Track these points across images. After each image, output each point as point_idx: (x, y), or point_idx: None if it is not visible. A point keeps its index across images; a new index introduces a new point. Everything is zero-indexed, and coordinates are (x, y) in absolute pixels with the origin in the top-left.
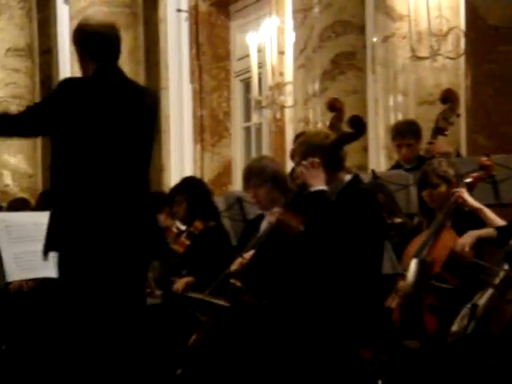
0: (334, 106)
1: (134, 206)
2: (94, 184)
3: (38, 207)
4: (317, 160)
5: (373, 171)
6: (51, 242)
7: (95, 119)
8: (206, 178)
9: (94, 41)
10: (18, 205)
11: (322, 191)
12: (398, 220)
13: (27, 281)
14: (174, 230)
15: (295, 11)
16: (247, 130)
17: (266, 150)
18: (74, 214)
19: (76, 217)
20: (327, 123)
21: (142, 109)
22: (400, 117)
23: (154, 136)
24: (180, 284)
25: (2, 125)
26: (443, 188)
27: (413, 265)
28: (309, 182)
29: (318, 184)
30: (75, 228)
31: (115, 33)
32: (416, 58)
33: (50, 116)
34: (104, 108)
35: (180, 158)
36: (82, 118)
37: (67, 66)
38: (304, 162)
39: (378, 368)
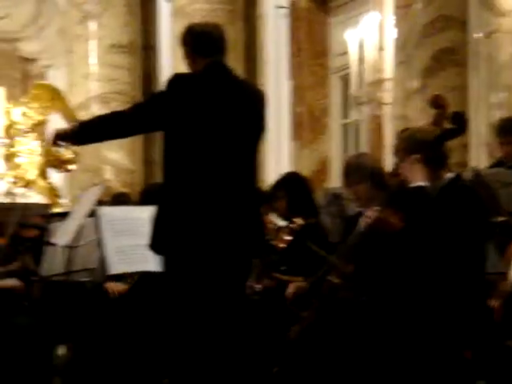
0: (437, 103)
1: (241, 203)
2: (202, 181)
3: (140, 202)
4: (417, 156)
5: (474, 169)
6: (157, 244)
7: (205, 114)
8: (303, 175)
9: (203, 37)
10: (120, 199)
11: (421, 187)
12: (501, 218)
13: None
14: (273, 226)
15: (397, 7)
16: (345, 126)
17: (363, 147)
18: (180, 209)
19: (182, 213)
20: (427, 120)
21: (250, 105)
22: (502, 114)
23: (262, 132)
24: (292, 288)
25: (115, 125)
26: None
27: None
28: (409, 178)
29: (418, 180)
30: (181, 224)
31: (220, 30)
32: None
33: (162, 111)
34: (216, 103)
35: (277, 155)
36: (194, 114)
37: (168, 62)
38: (406, 158)
39: (480, 368)
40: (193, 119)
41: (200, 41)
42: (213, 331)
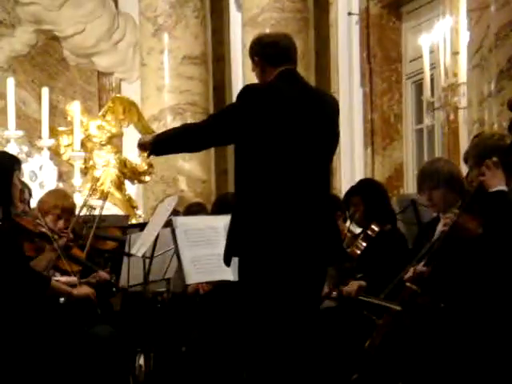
0: None
1: (317, 211)
2: (277, 190)
3: (214, 211)
4: (496, 160)
5: None
6: (232, 248)
7: (278, 124)
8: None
9: (273, 47)
10: (194, 209)
11: (502, 192)
12: None
13: (203, 284)
14: (348, 233)
15: (470, 10)
16: (419, 132)
17: (438, 153)
18: (256, 219)
19: (258, 222)
20: (504, 124)
21: (323, 114)
22: None
23: (335, 140)
24: (352, 287)
25: (188, 138)
26: None
27: None
28: (489, 183)
29: (498, 184)
30: (257, 233)
31: (289, 39)
32: None
33: (234, 124)
34: (286, 113)
35: (351, 162)
36: (267, 124)
37: (239, 72)
38: (486, 162)
39: None
40: (266, 129)
41: (270, 50)
42: (288, 338)
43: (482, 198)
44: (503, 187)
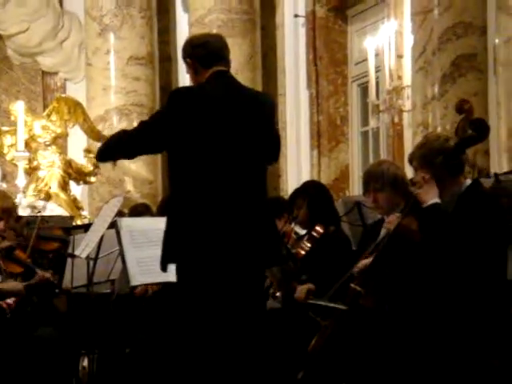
0: (462, 108)
1: (252, 213)
2: (210, 194)
3: (159, 213)
4: (427, 176)
5: (496, 175)
6: (168, 255)
7: (208, 127)
8: (323, 183)
9: (204, 48)
10: (140, 210)
11: (435, 205)
12: None
13: (152, 285)
14: (293, 235)
15: (414, 14)
16: (365, 134)
17: (383, 155)
18: (190, 223)
19: (192, 227)
20: (447, 127)
21: (254, 113)
22: None
23: (270, 141)
24: (301, 292)
25: (123, 147)
26: None
27: None
28: (422, 199)
29: (431, 198)
30: (192, 238)
31: (222, 41)
32: None
33: (164, 130)
34: (216, 115)
35: (297, 164)
36: (195, 127)
37: (186, 73)
38: (415, 179)
39: (505, 376)
40: (195, 132)
41: (200, 51)
42: (227, 340)
43: (418, 211)
44: (436, 200)
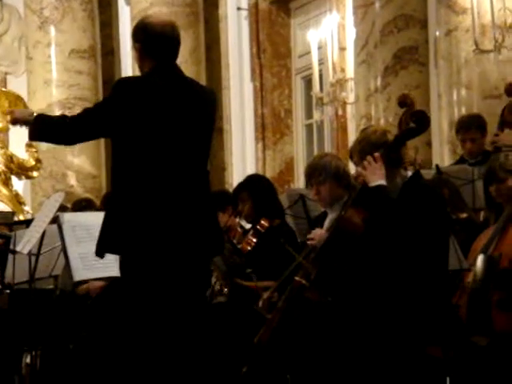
0: (404, 102)
1: (193, 205)
2: (152, 184)
3: (103, 208)
4: (377, 154)
5: (437, 166)
6: (105, 244)
7: (151, 118)
8: (268, 176)
9: (153, 39)
10: (83, 205)
11: (381, 186)
12: (464, 215)
13: (94, 288)
14: (239, 228)
15: (356, 7)
16: (309, 127)
17: (328, 147)
18: (131, 214)
19: (134, 218)
20: (390, 119)
21: (199, 107)
22: (464, 111)
23: (211, 134)
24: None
25: (63, 131)
26: (510, 182)
27: (480, 260)
28: (368, 178)
29: (378, 179)
30: (133, 230)
31: (175, 32)
32: (480, 51)
33: (108, 118)
34: (160, 106)
35: (242, 157)
36: (139, 118)
37: (129, 66)
38: (367, 158)
39: (446, 365)
40: (138, 123)
41: (150, 42)
42: (171, 334)
43: (365, 192)
44: (382, 181)
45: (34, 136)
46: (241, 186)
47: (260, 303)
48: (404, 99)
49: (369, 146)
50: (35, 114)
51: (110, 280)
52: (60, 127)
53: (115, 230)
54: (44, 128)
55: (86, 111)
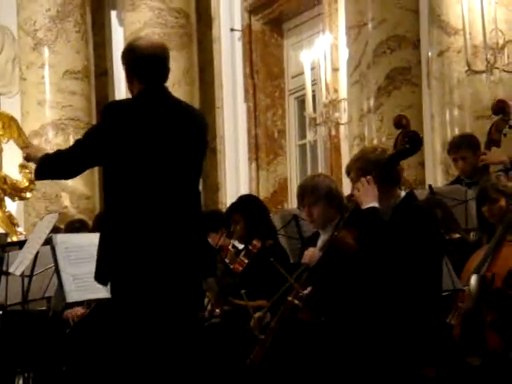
0: (399, 123)
1: (185, 227)
2: (143, 206)
3: (95, 228)
4: (369, 177)
5: (430, 186)
6: (102, 273)
7: (140, 141)
8: (262, 196)
9: (141, 64)
10: (76, 226)
11: (373, 208)
12: (457, 235)
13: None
14: (231, 249)
15: (349, 27)
16: (302, 147)
17: (321, 168)
18: (124, 239)
19: (125, 242)
20: (383, 140)
21: (188, 128)
22: (457, 131)
23: (202, 156)
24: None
25: (58, 168)
26: (502, 202)
27: (473, 281)
28: (360, 200)
29: (370, 201)
30: (125, 254)
31: (163, 54)
32: (472, 71)
33: (99, 146)
34: (148, 129)
35: (235, 177)
36: (128, 141)
37: (123, 87)
38: (360, 179)
39: None
40: (129, 146)
41: (138, 66)
42: (164, 357)
43: (358, 214)
44: (375, 204)
45: (37, 175)
46: (233, 206)
47: (251, 322)
48: (399, 120)
49: (366, 163)
50: (41, 155)
51: (90, 308)
52: (57, 163)
53: (109, 258)
54: (43, 167)
55: (77, 142)
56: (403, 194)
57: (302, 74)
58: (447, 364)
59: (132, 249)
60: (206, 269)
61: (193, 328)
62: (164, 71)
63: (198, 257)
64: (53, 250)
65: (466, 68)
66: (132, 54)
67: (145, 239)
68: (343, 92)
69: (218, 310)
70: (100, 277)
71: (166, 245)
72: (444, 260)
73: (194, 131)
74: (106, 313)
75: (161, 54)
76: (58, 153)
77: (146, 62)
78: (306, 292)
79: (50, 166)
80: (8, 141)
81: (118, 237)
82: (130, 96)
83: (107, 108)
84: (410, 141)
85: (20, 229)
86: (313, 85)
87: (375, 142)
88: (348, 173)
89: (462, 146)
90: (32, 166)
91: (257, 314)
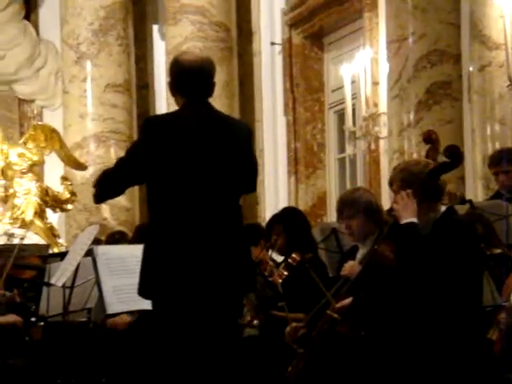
0: (429, 138)
1: (227, 241)
2: (186, 222)
3: (135, 240)
4: (409, 191)
5: (470, 201)
6: (146, 289)
7: (178, 155)
8: (301, 210)
9: (184, 78)
10: (116, 238)
11: (411, 224)
12: (497, 251)
13: (121, 323)
14: (271, 262)
15: (389, 42)
16: (342, 161)
17: (360, 181)
18: (166, 255)
19: (169, 259)
20: (422, 154)
21: (231, 141)
22: (497, 146)
23: (247, 168)
24: (288, 329)
25: (107, 188)
26: None
27: None
28: (399, 214)
29: (409, 216)
30: (169, 271)
31: (208, 69)
32: None
33: (142, 162)
34: (186, 143)
35: (275, 191)
36: (167, 156)
37: (163, 100)
38: (400, 193)
39: None
40: (169, 161)
41: (181, 80)
42: (203, 370)
43: (397, 228)
44: (413, 219)
45: (95, 200)
46: (275, 218)
47: (287, 329)
48: (429, 135)
49: (410, 175)
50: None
51: (137, 315)
52: (105, 184)
53: (153, 273)
54: (97, 189)
55: (119, 160)
56: (443, 208)
57: (341, 87)
58: (488, 380)
59: (175, 264)
60: (247, 284)
61: (232, 343)
62: (206, 86)
63: (240, 272)
64: (94, 261)
65: (508, 83)
66: (175, 68)
67: (187, 254)
68: (383, 106)
69: (256, 321)
70: (143, 291)
71: (209, 260)
72: (485, 275)
73: (234, 144)
74: (150, 324)
75: (203, 69)
76: (104, 173)
77: (187, 77)
78: (343, 304)
79: (101, 189)
80: (50, 153)
81: (162, 251)
82: (171, 109)
83: (146, 123)
84: (451, 155)
85: (61, 240)
86: (353, 99)
87: (415, 156)
88: (391, 184)
89: (503, 160)
90: (73, 177)
91: (294, 324)
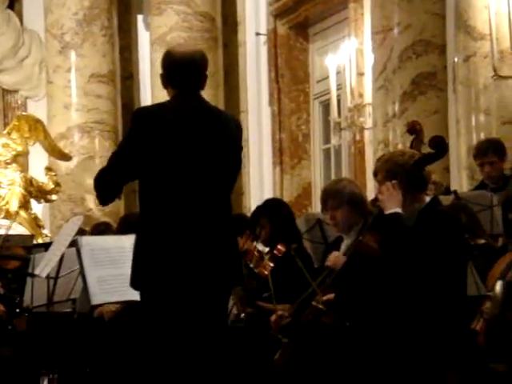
0: (413, 129)
1: (216, 234)
2: (175, 213)
3: (119, 231)
4: (394, 182)
5: (455, 192)
6: (137, 281)
7: (172, 146)
8: (286, 201)
9: (176, 70)
10: (101, 229)
11: (396, 214)
12: (481, 241)
13: (108, 311)
14: (256, 253)
15: (374, 32)
16: (327, 151)
17: (345, 172)
18: (158, 247)
19: (160, 250)
20: (407, 145)
21: (220, 134)
22: (482, 137)
23: (237, 161)
24: (273, 317)
25: (105, 188)
26: None
27: (498, 286)
28: (384, 205)
29: (394, 207)
30: (159, 263)
31: (200, 61)
32: (498, 77)
33: (135, 154)
34: (175, 135)
35: (259, 181)
36: (160, 147)
37: (148, 90)
38: (385, 183)
39: None
40: (159, 152)
41: (172, 72)
42: (193, 361)
43: (381, 219)
44: (398, 209)
45: (99, 201)
46: (259, 209)
47: (272, 317)
48: (413, 126)
49: (395, 166)
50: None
51: (124, 304)
52: (102, 183)
53: (145, 264)
54: (97, 189)
55: (113, 156)
56: (428, 199)
57: (326, 78)
58: (472, 370)
59: (165, 255)
60: (235, 278)
61: (219, 334)
62: (198, 78)
63: (229, 266)
64: (78, 252)
65: (493, 73)
66: (167, 60)
67: (178, 246)
68: (368, 97)
69: (243, 315)
70: (135, 283)
71: (199, 252)
72: (469, 265)
73: (224, 137)
74: (137, 314)
75: (195, 61)
76: (100, 171)
77: (179, 69)
78: (329, 296)
79: (100, 188)
80: (34, 143)
81: (153, 243)
82: (156, 99)
83: (136, 115)
84: (436, 146)
85: (45, 231)
86: (338, 89)
87: (400, 147)
88: (375, 174)
89: (489, 151)
90: (57, 168)
91: (279, 312)
